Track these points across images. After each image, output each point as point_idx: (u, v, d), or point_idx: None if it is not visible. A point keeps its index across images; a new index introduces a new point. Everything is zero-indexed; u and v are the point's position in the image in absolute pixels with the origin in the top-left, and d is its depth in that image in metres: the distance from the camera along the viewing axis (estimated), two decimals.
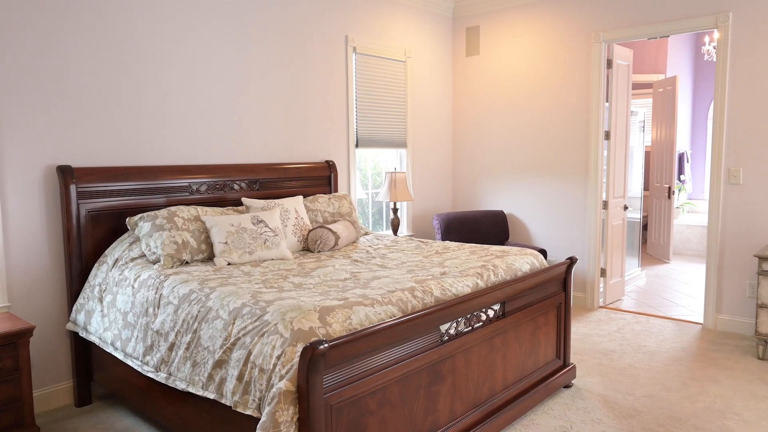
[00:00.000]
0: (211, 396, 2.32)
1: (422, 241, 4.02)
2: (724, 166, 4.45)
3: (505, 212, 5.79)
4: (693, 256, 7.81)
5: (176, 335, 2.57)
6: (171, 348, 2.58)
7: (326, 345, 1.94)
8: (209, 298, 2.55)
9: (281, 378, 2.03)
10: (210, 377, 2.34)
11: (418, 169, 5.73)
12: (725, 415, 3.10)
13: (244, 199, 3.75)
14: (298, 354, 2.04)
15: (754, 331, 3.92)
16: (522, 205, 5.67)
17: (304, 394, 1.96)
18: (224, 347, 2.31)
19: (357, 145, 5.05)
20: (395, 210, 5.10)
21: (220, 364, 2.32)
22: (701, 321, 4.78)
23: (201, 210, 3.47)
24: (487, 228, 5.53)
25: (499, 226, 5.60)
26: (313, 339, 2.10)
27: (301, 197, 4.04)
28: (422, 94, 5.72)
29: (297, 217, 3.82)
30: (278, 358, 2.08)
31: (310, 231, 3.79)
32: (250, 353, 2.19)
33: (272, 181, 4.25)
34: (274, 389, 2.00)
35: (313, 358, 1.92)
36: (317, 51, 4.66)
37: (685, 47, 8.77)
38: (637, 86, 8.40)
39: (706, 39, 7.78)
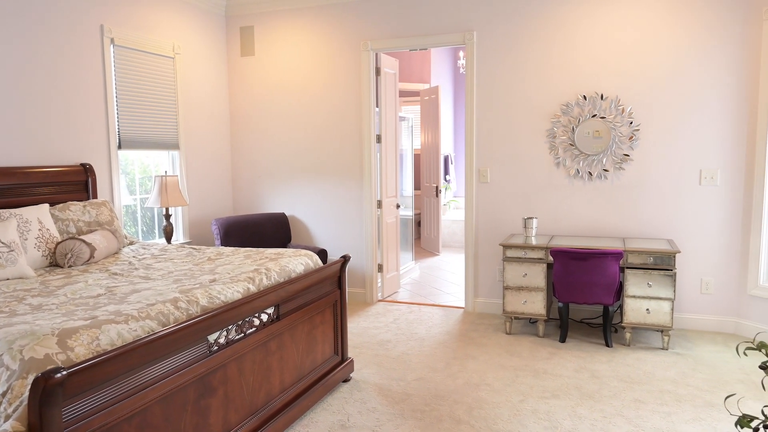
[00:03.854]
0: None
1: (195, 248, 3.81)
2: (476, 167, 5.03)
3: (287, 214, 5.80)
4: (459, 247, 8.72)
5: None
6: None
7: (64, 372, 1.69)
8: None
9: (7, 418, 1.73)
10: None
11: (193, 172, 5.43)
12: (479, 387, 3.49)
13: None
14: (29, 387, 1.75)
15: (503, 310, 4.50)
16: (303, 207, 5.73)
17: None
18: None
19: (120, 147, 4.59)
20: (167, 216, 4.76)
21: None
22: (463, 305, 5.35)
23: None
24: (270, 231, 5.48)
25: (282, 229, 5.58)
26: (49, 367, 1.82)
27: (47, 205, 3.53)
28: (195, 93, 5.43)
29: (41, 228, 3.32)
30: (3, 395, 1.77)
31: (58, 244, 3.33)
32: None
33: (10, 188, 3.64)
34: None
35: (47, 390, 1.66)
36: (68, 40, 4.13)
37: (446, 60, 9.76)
38: (406, 94, 9.10)
39: (461, 53, 8.76)
